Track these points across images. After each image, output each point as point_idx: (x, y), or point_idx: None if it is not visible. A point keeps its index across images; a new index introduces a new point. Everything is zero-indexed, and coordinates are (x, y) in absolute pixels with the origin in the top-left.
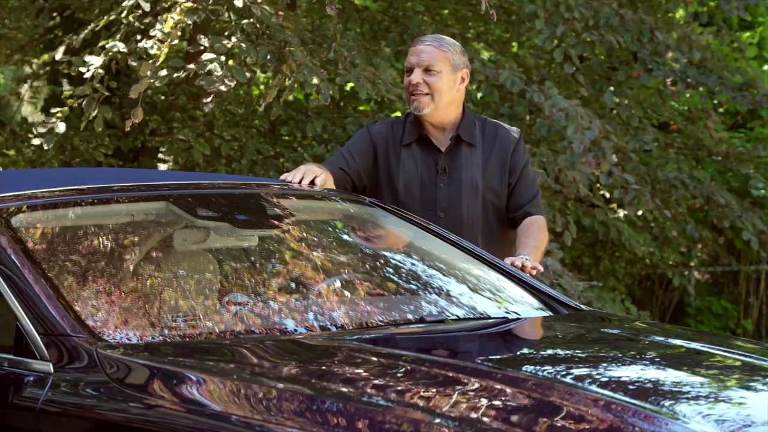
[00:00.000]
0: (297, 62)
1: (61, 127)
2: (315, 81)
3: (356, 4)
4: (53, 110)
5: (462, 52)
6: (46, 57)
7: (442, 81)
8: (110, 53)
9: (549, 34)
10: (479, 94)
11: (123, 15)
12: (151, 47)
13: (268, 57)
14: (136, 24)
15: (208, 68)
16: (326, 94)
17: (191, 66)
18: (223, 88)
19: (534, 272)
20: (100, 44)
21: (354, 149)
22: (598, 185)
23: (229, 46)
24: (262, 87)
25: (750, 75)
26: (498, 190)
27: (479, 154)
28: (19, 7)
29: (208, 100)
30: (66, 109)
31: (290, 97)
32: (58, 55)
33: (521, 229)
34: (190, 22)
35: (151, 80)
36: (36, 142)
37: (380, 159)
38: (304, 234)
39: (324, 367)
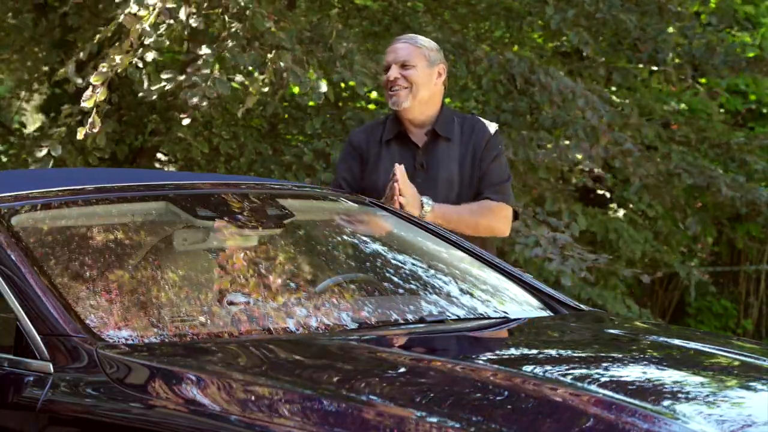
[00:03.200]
0: (285, 66)
1: (58, 150)
2: (314, 81)
3: (356, 3)
4: (50, 131)
5: (437, 50)
6: (62, 72)
7: (419, 74)
8: (111, 65)
9: (560, 19)
10: (477, 89)
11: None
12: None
13: (255, 62)
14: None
15: (193, 79)
16: (319, 93)
17: (181, 78)
18: (205, 104)
19: (400, 201)
20: (101, 56)
21: (349, 163)
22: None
23: (219, 52)
24: (266, 89)
25: (758, 53)
26: (473, 184)
27: (456, 149)
28: (23, 37)
29: (185, 115)
30: (63, 129)
31: (289, 94)
32: (70, 71)
33: None
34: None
35: (146, 93)
36: (39, 153)
37: (365, 161)
38: (304, 234)
39: (324, 367)
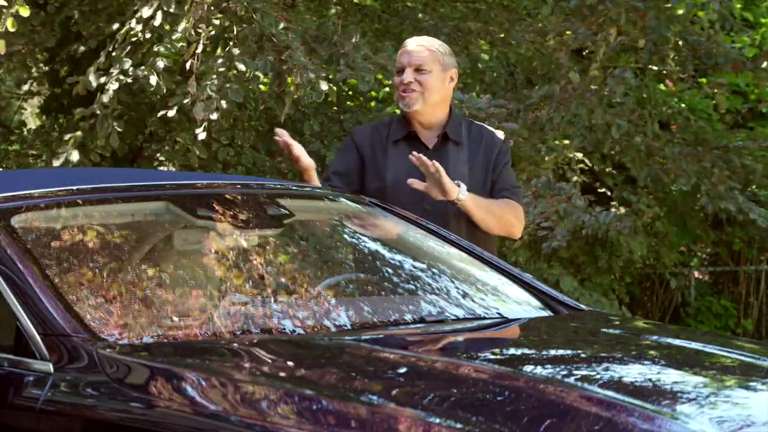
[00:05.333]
0: (297, 66)
1: (75, 156)
2: (315, 80)
3: (356, 2)
4: (66, 137)
5: (450, 54)
6: (85, 80)
7: (433, 79)
8: (121, 72)
9: (553, 22)
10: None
11: (132, 29)
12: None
13: (268, 66)
14: (147, 35)
15: (206, 95)
16: (320, 91)
17: (191, 90)
18: (213, 116)
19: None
20: (111, 60)
21: (346, 157)
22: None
23: (229, 67)
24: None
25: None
26: (482, 188)
27: (465, 152)
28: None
29: (200, 129)
30: (78, 134)
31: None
32: (91, 78)
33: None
34: (202, 31)
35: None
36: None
37: (367, 160)
38: (304, 234)
39: (323, 367)
